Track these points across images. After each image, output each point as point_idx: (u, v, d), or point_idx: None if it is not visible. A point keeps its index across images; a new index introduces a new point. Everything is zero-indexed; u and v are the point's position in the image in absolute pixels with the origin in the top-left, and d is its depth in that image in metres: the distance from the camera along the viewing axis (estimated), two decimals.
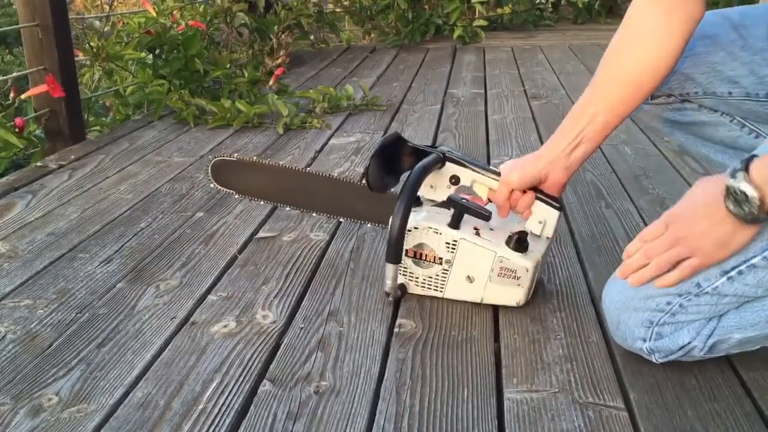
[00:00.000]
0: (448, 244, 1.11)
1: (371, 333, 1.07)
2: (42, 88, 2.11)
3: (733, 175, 0.82)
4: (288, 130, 2.30)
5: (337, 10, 4.52)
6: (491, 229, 1.13)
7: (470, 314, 1.12)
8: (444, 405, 0.90)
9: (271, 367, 0.99)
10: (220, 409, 0.90)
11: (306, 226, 1.48)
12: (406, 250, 1.12)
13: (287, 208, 1.47)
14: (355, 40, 4.48)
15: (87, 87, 2.73)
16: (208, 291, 1.21)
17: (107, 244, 1.41)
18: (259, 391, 0.94)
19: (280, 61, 3.09)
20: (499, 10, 4.62)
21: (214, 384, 0.95)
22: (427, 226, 1.12)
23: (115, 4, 3.40)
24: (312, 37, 4.08)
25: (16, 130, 2.03)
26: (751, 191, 0.80)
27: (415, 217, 1.12)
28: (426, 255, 1.13)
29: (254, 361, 1.01)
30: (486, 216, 1.11)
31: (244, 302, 1.17)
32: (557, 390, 0.93)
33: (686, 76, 1.14)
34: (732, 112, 1.15)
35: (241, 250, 1.37)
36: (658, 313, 0.93)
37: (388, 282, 1.11)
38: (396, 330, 1.08)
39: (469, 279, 1.13)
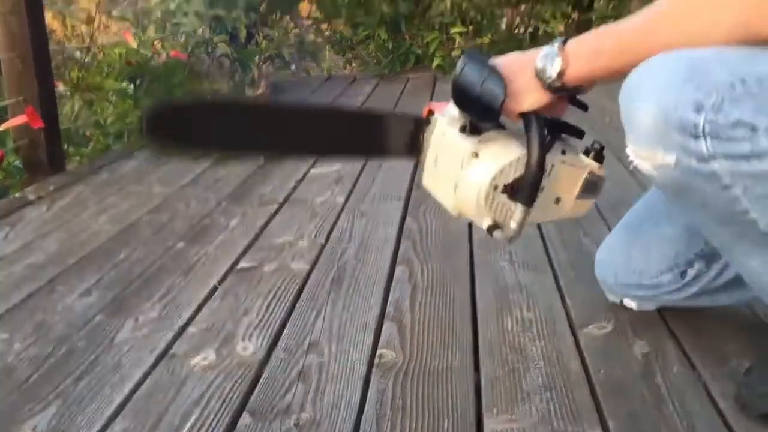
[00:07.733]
0: (546, 170, 0.97)
1: (352, 363, 1.07)
2: (21, 119, 2.11)
3: (551, 44, 0.92)
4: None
5: (319, 40, 4.56)
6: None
7: (450, 343, 1.12)
8: None
9: (251, 399, 0.99)
10: None
11: (287, 257, 1.48)
12: (505, 186, 0.96)
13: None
14: (336, 69, 4.51)
15: (67, 117, 2.73)
16: (188, 323, 1.20)
17: (86, 276, 1.40)
18: (238, 425, 0.93)
19: (261, 90, 3.11)
20: (478, 40, 4.67)
21: (193, 417, 0.95)
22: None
23: (96, 34, 3.41)
24: (293, 68, 4.11)
25: None
26: (558, 60, 0.91)
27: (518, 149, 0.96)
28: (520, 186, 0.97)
29: (234, 393, 1.00)
30: (582, 133, 1.03)
31: (224, 334, 1.17)
32: (537, 420, 0.93)
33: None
34: None
35: (221, 281, 1.37)
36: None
37: (515, 226, 0.96)
38: (376, 360, 1.08)
39: (557, 201, 1.03)
